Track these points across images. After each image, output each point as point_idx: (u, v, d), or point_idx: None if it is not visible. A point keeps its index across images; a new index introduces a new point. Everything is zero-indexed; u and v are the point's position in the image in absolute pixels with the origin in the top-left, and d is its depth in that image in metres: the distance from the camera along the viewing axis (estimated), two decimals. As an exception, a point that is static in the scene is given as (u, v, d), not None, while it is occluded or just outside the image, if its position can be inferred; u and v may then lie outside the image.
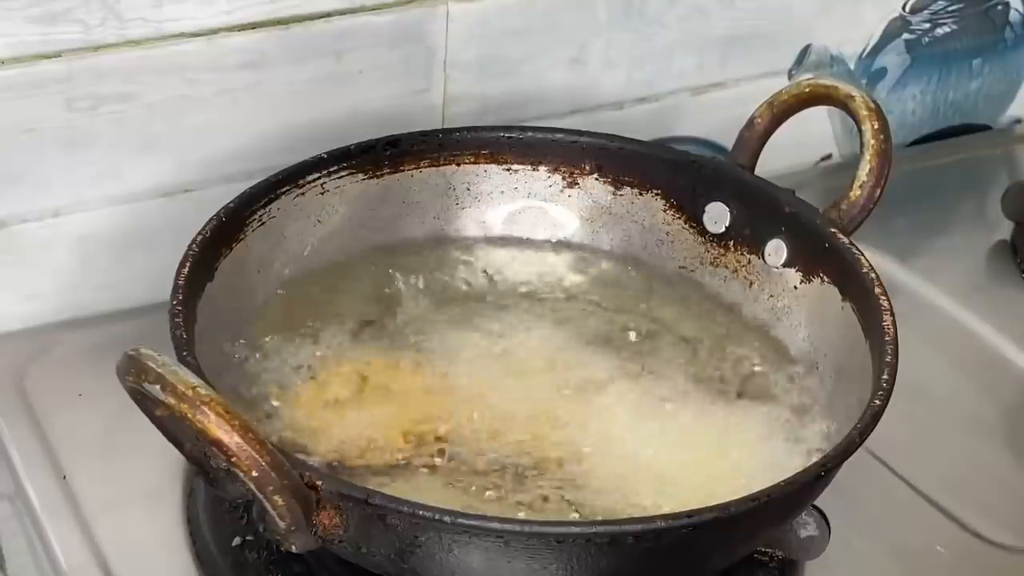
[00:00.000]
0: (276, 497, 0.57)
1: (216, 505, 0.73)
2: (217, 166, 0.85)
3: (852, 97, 0.78)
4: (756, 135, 0.81)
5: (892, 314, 0.70)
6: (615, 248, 0.84)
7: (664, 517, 0.59)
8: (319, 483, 0.59)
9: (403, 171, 0.81)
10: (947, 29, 1.08)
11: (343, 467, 0.68)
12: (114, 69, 0.79)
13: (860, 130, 0.77)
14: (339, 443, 0.69)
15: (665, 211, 0.83)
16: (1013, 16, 1.10)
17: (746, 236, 0.81)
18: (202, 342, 0.67)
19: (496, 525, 0.58)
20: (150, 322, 0.71)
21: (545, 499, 0.67)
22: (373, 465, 0.68)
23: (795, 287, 0.78)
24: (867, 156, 0.77)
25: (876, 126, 0.77)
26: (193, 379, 0.56)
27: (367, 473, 0.67)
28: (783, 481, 0.62)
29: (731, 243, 0.81)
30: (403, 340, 0.76)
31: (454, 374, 0.74)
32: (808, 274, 0.78)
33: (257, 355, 0.73)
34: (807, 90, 0.80)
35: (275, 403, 0.71)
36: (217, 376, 0.66)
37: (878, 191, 0.77)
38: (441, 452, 0.69)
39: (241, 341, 0.73)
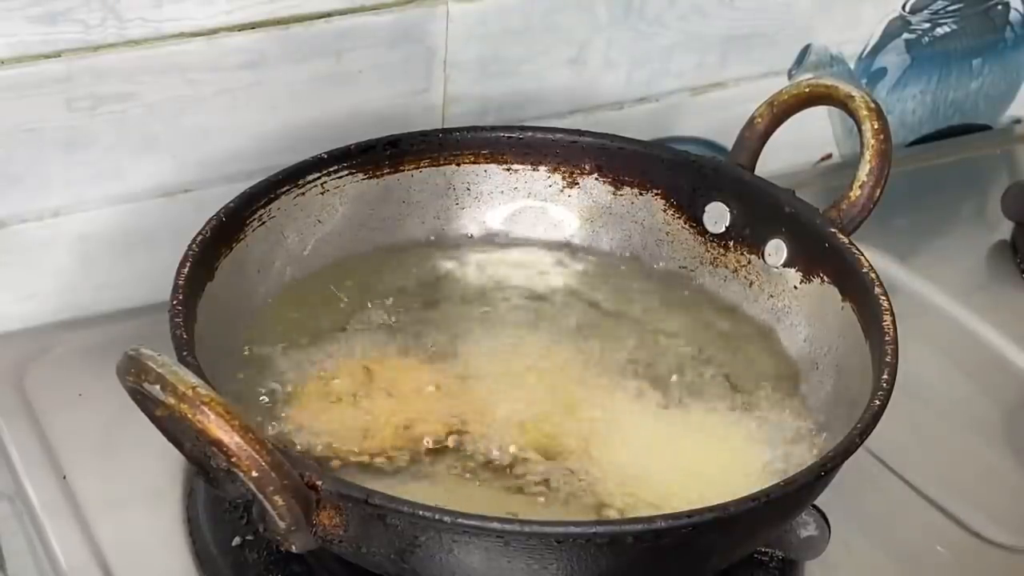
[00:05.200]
0: (276, 497, 0.57)
1: (216, 505, 0.73)
2: (217, 166, 0.85)
3: (852, 97, 0.78)
4: (756, 135, 0.81)
5: (892, 314, 0.70)
6: (615, 248, 0.84)
7: (664, 517, 0.59)
8: (319, 483, 0.59)
9: (403, 171, 0.81)
10: (947, 29, 1.08)
11: (349, 466, 0.68)
12: (114, 69, 0.79)
13: (860, 130, 0.77)
14: (345, 441, 0.69)
15: (665, 211, 0.83)
16: (1013, 16, 1.10)
17: (746, 236, 0.81)
18: (202, 342, 0.67)
19: (496, 525, 0.58)
20: (150, 322, 0.72)
21: (558, 498, 0.67)
22: (379, 463, 0.68)
23: (795, 287, 0.78)
24: (867, 156, 0.77)
25: (876, 126, 0.77)
26: (193, 379, 0.56)
27: (374, 471, 0.68)
28: (783, 481, 0.62)
29: (731, 243, 0.81)
30: (404, 339, 0.76)
31: (455, 373, 0.74)
32: (808, 274, 0.78)
33: (261, 355, 0.73)
34: (807, 90, 0.80)
35: (280, 402, 0.71)
36: (218, 376, 0.66)
37: (878, 191, 0.77)
38: (445, 449, 0.69)
39: (244, 340, 0.74)
